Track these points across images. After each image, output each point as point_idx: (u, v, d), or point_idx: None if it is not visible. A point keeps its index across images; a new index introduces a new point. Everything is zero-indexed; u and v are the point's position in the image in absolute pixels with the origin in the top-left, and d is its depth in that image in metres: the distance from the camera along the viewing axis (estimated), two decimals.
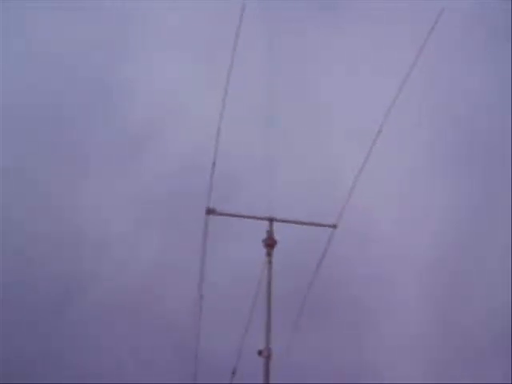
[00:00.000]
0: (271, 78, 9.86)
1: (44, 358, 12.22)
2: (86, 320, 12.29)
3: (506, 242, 12.34)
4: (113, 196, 12.56)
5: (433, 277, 12.70)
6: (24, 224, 12.53)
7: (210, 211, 9.17)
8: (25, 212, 12.56)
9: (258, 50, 10.33)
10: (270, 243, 8.99)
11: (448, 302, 12.79)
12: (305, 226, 9.10)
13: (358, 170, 8.77)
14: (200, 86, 9.29)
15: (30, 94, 12.61)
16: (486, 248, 12.69)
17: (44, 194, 12.55)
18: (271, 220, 9.02)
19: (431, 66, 12.82)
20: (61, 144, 12.67)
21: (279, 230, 9.06)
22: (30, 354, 12.26)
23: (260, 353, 8.62)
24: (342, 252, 9.69)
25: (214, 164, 9.05)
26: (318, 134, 11.88)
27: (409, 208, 12.72)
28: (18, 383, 11.84)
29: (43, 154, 12.71)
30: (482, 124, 12.93)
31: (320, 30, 12.23)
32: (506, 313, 12.20)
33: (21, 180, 12.55)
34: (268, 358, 8.60)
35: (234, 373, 9.08)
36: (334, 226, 9.03)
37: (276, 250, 9.00)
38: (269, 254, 8.96)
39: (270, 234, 9.02)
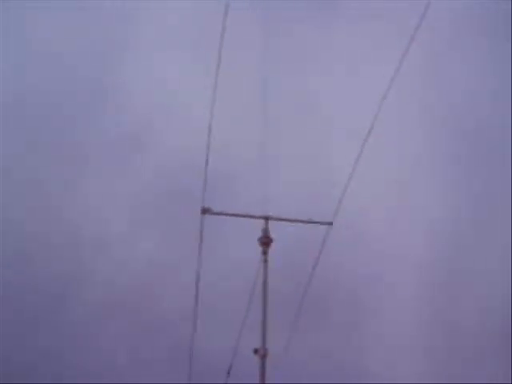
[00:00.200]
0: (266, 77, 9.86)
1: (41, 355, 12.24)
2: (82, 319, 12.32)
3: (504, 239, 12.32)
4: (110, 195, 12.57)
5: (429, 275, 12.67)
6: (21, 223, 12.54)
7: (205, 210, 9.16)
8: (22, 211, 12.58)
9: (254, 49, 10.34)
10: (265, 242, 8.97)
11: (445, 301, 12.78)
12: (300, 225, 9.08)
13: (351, 167, 8.73)
14: (198, 85, 9.28)
15: (29, 92, 12.61)
16: (483, 246, 12.68)
17: (41, 193, 12.56)
18: (267, 218, 9.00)
19: (429, 63, 12.85)
20: (57, 144, 12.69)
21: (275, 229, 9.05)
22: (27, 351, 12.28)
23: (256, 351, 8.62)
24: (338, 250, 9.67)
25: (206, 163, 9.04)
26: (313, 132, 11.87)
27: (404, 206, 12.70)
28: (17, 382, 11.85)
29: (40, 154, 12.72)
30: (481, 121, 12.90)
31: (315, 28, 12.23)
32: (505, 311, 12.16)
33: (19, 179, 12.57)
34: (264, 356, 8.60)
35: (229, 372, 9.07)
36: (330, 224, 9.01)
37: (272, 249, 8.98)
38: (264, 253, 8.95)
39: (265, 232, 9.00)
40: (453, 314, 12.78)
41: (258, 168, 9.67)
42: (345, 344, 12.02)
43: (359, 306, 12.33)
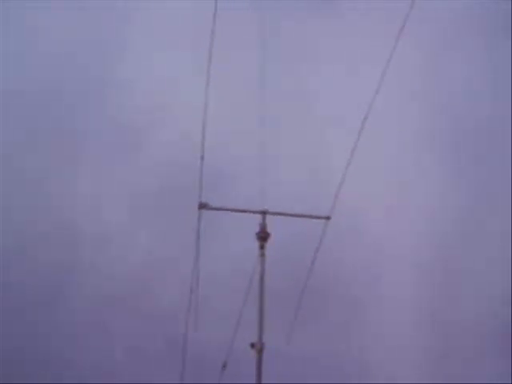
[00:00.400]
0: (262, 70, 9.87)
1: (39, 347, 12.22)
2: (80, 311, 12.30)
3: (504, 238, 12.29)
4: (108, 188, 12.55)
5: (429, 271, 12.64)
6: (19, 217, 12.54)
7: (202, 206, 9.15)
8: (20, 205, 12.57)
9: (250, 44, 10.36)
10: (263, 236, 8.95)
11: (444, 299, 12.73)
12: (298, 220, 9.06)
13: (348, 159, 8.72)
14: (198, 80, 9.27)
15: (28, 83, 12.63)
16: (482, 241, 12.64)
17: (39, 186, 12.56)
18: (264, 213, 8.98)
19: (429, 63, 12.85)
20: (56, 136, 12.68)
21: (272, 224, 9.03)
22: (25, 343, 12.26)
23: (253, 346, 8.60)
24: (336, 245, 9.65)
25: (202, 158, 9.02)
26: (311, 127, 11.87)
27: (404, 202, 12.68)
28: (15, 372, 11.84)
29: (38, 146, 12.72)
30: (481, 121, 12.90)
31: (315, 27, 12.24)
32: (505, 311, 12.12)
33: (17, 170, 12.57)
34: (260, 351, 8.58)
35: (224, 366, 9.04)
36: (328, 218, 8.99)
37: (269, 244, 8.96)
38: (262, 247, 8.93)
39: (262, 226, 8.98)
40: (452, 313, 12.74)
41: (255, 162, 9.66)
42: (342, 340, 11.98)
43: (357, 301, 12.28)
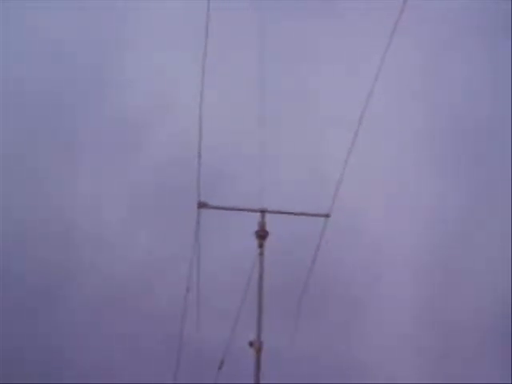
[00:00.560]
0: (262, 70, 9.87)
1: (38, 345, 12.22)
2: (79, 310, 12.29)
3: (504, 234, 12.28)
4: (107, 187, 12.55)
5: (428, 271, 12.64)
6: (18, 215, 12.54)
7: (201, 205, 9.15)
8: (19, 203, 12.57)
9: (253, 42, 10.36)
10: (261, 235, 8.96)
11: (444, 298, 12.72)
12: (297, 218, 9.05)
13: (346, 157, 8.72)
14: (198, 78, 9.29)
15: (27, 81, 12.63)
16: (482, 239, 12.62)
17: (38, 184, 12.56)
18: (263, 211, 8.98)
19: (429, 63, 12.86)
20: (55, 134, 12.68)
21: (271, 223, 9.02)
22: (25, 342, 12.26)
23: (251, 344, 8.60)
24: (334, 244, 9.63)
25: (199, 156, 9.01)
26: (309, 124, 11.86)
27: (403, 200, 12.67)
28: (14, 371, 11.84)
29: (38, 144, 12.72)
30: (480, 120, 12.90)
31: (314, 26, 12.24)
32: (505, 311, 12.11)
33: (16, 169, 12.57)
34: (259, 349, 8.58)
35: (221, 364, 9.03)
36: (327, 216, 8.98)
37: (268, 242, 8.95)
38: (261, 246, 8.93)
39: (261, 225, 8.98)
40: (452, 313, 12.72)
41: (254, 162, 9.66)
42: (341, 339, 11.97)
43: (356, 301, 12.28)
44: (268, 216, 9.01)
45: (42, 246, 12.35)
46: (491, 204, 12.87)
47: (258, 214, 8.99)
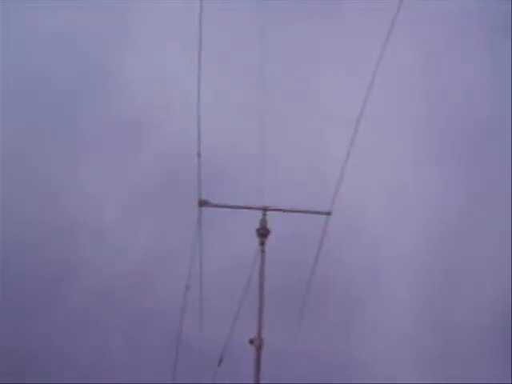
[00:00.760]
0: (262, 67, 9.86)
1: (38, 341, 12.21)
2: (79, 306, 12.29)
3: (503, 230, 12.28)
4: (108, 183, 12.56)
5: (428, 271, 12.64)
6: (19, 210, 12.53)
7: (202, 203, 9.12)
8: (20, 198, 12.57)
9: (250, 41, 10.35)
10: (263, 233, 8.93)
11: (444, 298, 12.72)
12: (298, 216, 9.03)
13: (346, 157, 8.71)
14: (196, 77, 9.29)
15: (29, 79, 12.63)
16: (481, 238, 12.63)
17: (39, 180, 12.55)
18: (265, 209, 8.95)
19: (429, 63, 12.87)
20: (56, 131, 12.68)
21: (272, 222, 9.00)
22: (24, 337, 12.24)
23: (251, 342, 8.58)
24: (335, 242, 9.62)
25: (199, 155, 8.98)
26: (311, 123, 11.86)
27: (402, 200, 12.68)
28: (14, 369, 11.82)
29: (39, 141, 12.71)
30: (480, 119, 12.92)
31: (315, 24, 12.24)
32: (505, 310, 12.11)
33: (17, 166, 12.57)
34: (259, 347, 8.55)
35: (220, 360, 9.01)
36: (329, 214, 8.96)
37: (269, 240, 8.93)
38: (262, 244, 8.90)
39: (263, 223, 8.95)
40: (452, 313, 12.72)
41: (255, 160, 9.65)
42: (341, 338, 11.97)
43: (356, 300, 12.28)
44: (269, 215, 8.97)
45: (41, 244, 12.34)
46: (491, 204, 12.87)
47: (259, 212, 8.95)
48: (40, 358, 12.12)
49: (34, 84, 12.67)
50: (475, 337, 12.60)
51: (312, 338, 11.02)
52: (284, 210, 8.99)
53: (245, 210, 9.04)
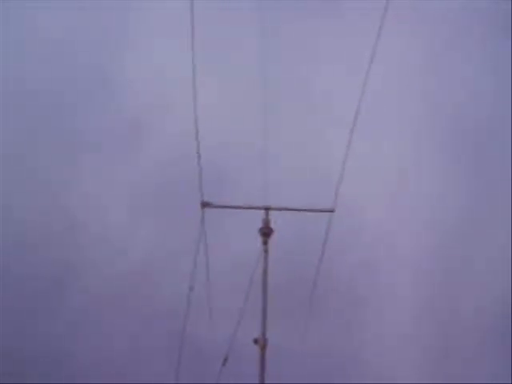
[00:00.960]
0: (265, 67, 9.85)
1: (40, 342, 12.18)
2: (81, 306, 12.25)
3: (503, 230, 12.29)
4: (110, 184, 12.53)
5: (428, 270, 12.64)
6: (21, 211, 12.50)
7: (205, 204, 9.10)
8: (22, 199, 12.54)
9: (254, 39, 10.35)
10: (266, 232, 8.92)
11: (444, 300, 12.72)
12: (299, 216, 9.03)
13: (345, 155, 8.71)
14: (200, 73, 9.28)
15: (29, 79, 12.61)
16: (481, 236, 12.64)
17: (41, 181, 12.53)
18: (267, 209, 8.95)
19: (429, 63, 12.88)
20: (57, 132, 12.66)
21: (274, 221, 9.00)
22: (26, 338, 12.21)
23: (256, 341, 8.58)
24: (338, 241, 9.60)
25: (199, 156, 8.96)
26: (313, 122, 11.85)
27: (402, 198, 12.68)
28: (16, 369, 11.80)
29: (40, 142, 12.69)
30: (481, 116, 12.92)
31: (314, 20, 12.23)
32: (505, 310, 12.11)
33: (19, 167, 12.55)
34: (264, 346, 8.56)
35: (225, 360, 8.99)
36: (332, 211, 8.95)
37: (272, 240, 8.93)
38: (265, 243, 8.90)
39: (266, 222, 8.94)
40: (453, 313, 12.73)
41: (257, 159, 9.63)
42: (343, 337, 11.97)
43: (359, 299, 12.27)
44: (271, 215, 8.97)
45: (43, 244, 12.32)
46: (491, 204, 12.88)
47: (262, 212, 8.94)
48: (40, 357, 12.09)
49: (33, 84, 12.64)
50: (475, 337, 12.60)
51: (315, 336, 11.01)
52: (287, 209, 8.98)
53: (247, 210, 9.03)
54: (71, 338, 12.20)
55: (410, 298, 12.48)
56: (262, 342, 8.56)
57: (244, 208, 9.08)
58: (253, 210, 8.97)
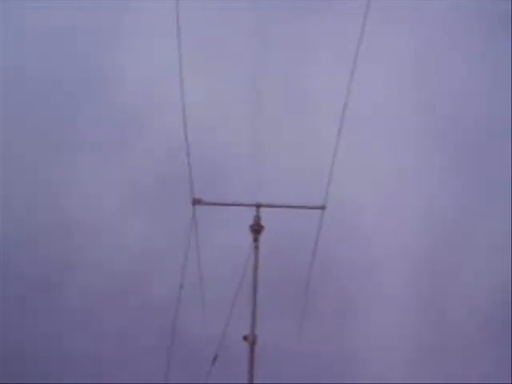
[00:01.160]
0: (257, 64, 9.88)
1: (35, 340, 12.23)
2: (75, 304, 12.30)
3: (503, 229, 12.25)
4: (103, 181, 12.57)
5: (428, 270, 12.60)
6: (15, 209, 12.57)
7: (196, 201, 9.13)
8: (16, 197, 12.61)
9: (246, 37, 10.38)
10: (256, 229, 8.94)
11: (442, 298, 12.69)
12: (291, 213, 9.04)
13: (334, 152, 8.72)
14: (194, 71, 9.33)
15: (24, 76, 12.69)
16: (481, 236, 12.60)
17: (35, 179, 12.59)
18: (258, 206, 8.97)
19: (429, 63, 12.87)
20: (51, 130, 12.72)
21: (265, 219, 9.01)
22: (22, 336, 12.27)
23: (245, 338, 8.59)
24: (329, 238, 9.60)
25: (188, 154, 8.99)
26: (304, 119, 11.87)
27: (400, 197, 12.66)
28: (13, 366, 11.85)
29: (34, 139, 12.75)
30: (480, 114, 12.90)
31: (309, 17, 12.25)
32: (505, 310, 12.06)
33: (12, 165, 12.61)
34: (253, 343, 8.57)
35: (215, 359, 9.00)
36: (323, 208, 8.96)
37: (263, 236, 8.94)
38: (256, 240, 8.91)
39: (256, 219, 8.96)
40: (449, 313, 12.69)
41: (248, 156, 9.66)
42: (336, 334, 11.95)
43: (352, 297, 12.26)
44: (262, 212, 8.98)
45: (39, 241, 12.37)
46: (491, 204, 12.85)
47: (253, 209, 8.96)
48: (39, 357, 12.14)
49: (33, 84, 12.72)
50: (475, 336, 12.55)
51: (307, 335, 11.00)
52: (278, 206, 9.00)
53: (238, 207, 9.05)
54: (66, 337, 12.24)
55: (406, 296, 12.46)
56: (251, 339, 8.57)
57: (235, 205, 9.11)
58: (244, 207, 8.99)
